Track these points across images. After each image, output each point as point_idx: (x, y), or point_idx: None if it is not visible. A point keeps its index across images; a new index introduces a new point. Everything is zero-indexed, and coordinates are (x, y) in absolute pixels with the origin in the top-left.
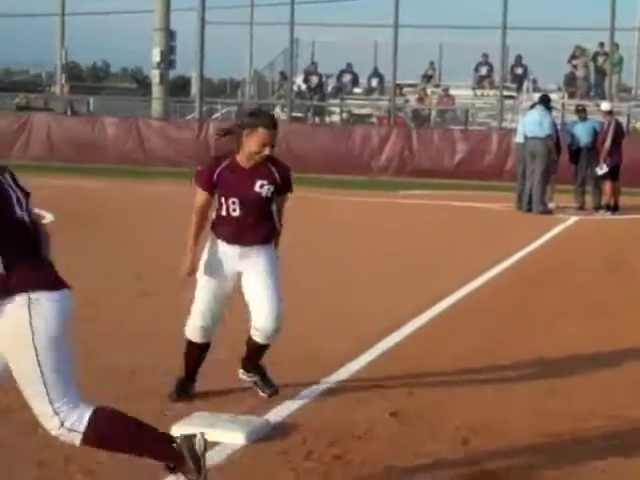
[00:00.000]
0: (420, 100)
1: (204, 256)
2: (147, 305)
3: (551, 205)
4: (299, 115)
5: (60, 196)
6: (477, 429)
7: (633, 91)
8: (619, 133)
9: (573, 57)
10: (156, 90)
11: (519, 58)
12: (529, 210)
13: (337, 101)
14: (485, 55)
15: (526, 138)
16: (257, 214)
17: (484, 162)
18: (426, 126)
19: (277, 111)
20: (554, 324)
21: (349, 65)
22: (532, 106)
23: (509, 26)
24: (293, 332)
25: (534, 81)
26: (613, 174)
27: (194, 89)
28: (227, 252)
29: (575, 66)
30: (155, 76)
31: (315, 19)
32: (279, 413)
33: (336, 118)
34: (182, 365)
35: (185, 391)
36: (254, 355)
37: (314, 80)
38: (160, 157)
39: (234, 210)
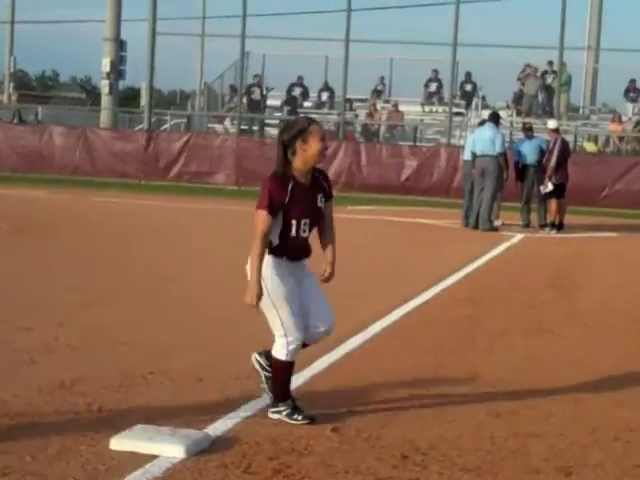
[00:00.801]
0: (370, 115)
1: (271, 276)
2: (90, 316)
3: (497, 222)
4: (245, 128)
5: (6, 205)
6: (417, 446)
7: (581, 110)
8: (565, 151)
9: (522, 75)
10: (105, 100)
11: (469, 75)
12: (475, 227)
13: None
14: (435, 71)
15: (475, 155)
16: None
17: (432, 178)
18: (375, 141)
19: (226, 124)
20: (495, 341)
21: (300, 78)
22: (481, 123)
23: (459, 43)
24: (235, 345)
25: (483, 98)
26: (559, 192)
27: (144, 100)
28: (289, 266)
29: (524, 84)
30: (104, 86)
31: (266, 32)
32: (219, 427)
33: None
34: (276, 388)
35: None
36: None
37: (257, 93)
38: (107, 168)
39: (304, 231)
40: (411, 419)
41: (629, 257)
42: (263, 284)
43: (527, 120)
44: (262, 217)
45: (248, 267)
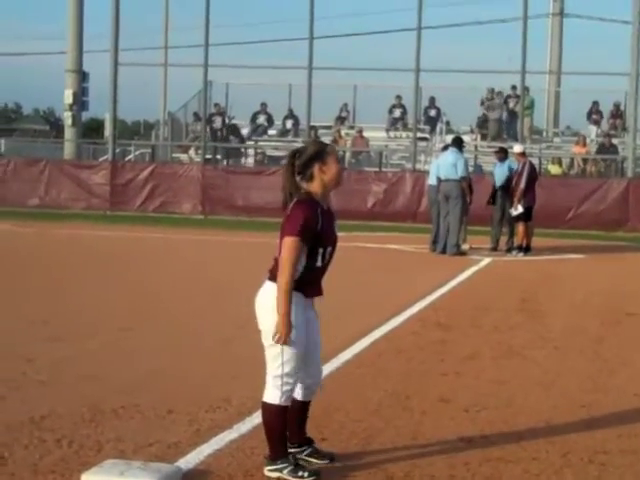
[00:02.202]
0: (335, 142)
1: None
2: (58, 350)
3: (464, 246)
4: (208, 157)
5: None
6: (391, 475)
7: (545, 133)
8: (533, 174)
9: (485, 99)
10: (68, 132)
11: (432, 100)
12: (443, 252)
13: (251, 143)
14: (398, 97)
15: (439, 180)
16: None
17: (398, 204)
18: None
19: (191, 153)
20: (466, 366)
21: (263, 105)
22: (444, 147)
23: (422, 68)
24: (205, 376)
25: (447, 123)
26: (526, 215)
27: (107, 131)
28: (304, 303)
29: (487, 108)
30: (67, 118)
31: (229, 61)
32: (191, 460)
33: (250, 160)
34: (273, 442)
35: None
36: (303, 417)
37: (218, 122)
38: (72, 199)
39: (324, 259)
40: (383, 448)
41: (596, 278)
42: (273, 319)
43: (493, 144)
44: (294, 244)
45: (262, 298)
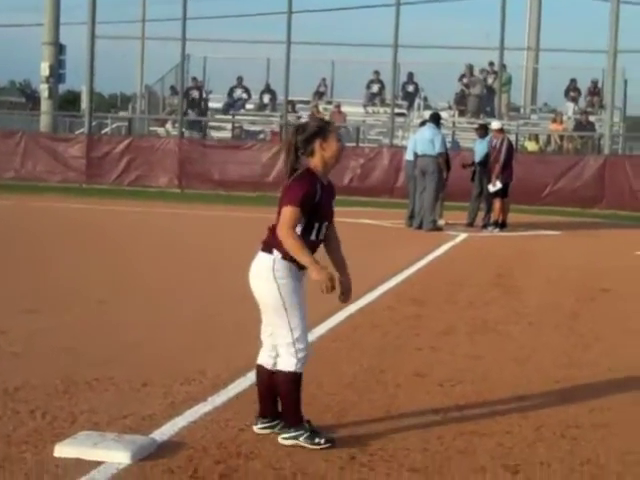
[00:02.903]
0: (312, 117)
1: (285, 278)
2: (33, 322)
3: (441, 222)
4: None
5: None
6: (365, 447)
7: (522, 110)
8: (511, 151)
9: (464, 75)
10: (45, 104)
11: (410, 76)
12: (419, 227)
13: (228, 117)
14: (376, 72)
15: (417, 156)
16: None
17: (375, 179)
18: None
19: (168, 126)
20: (441, 341)
21: (239, 79)
22: (422, 123)
23: (400, 44)
24: (180, 349)
25: (425, 99)
26: (504, 192)
27: (84, 104)
28: (297, 274)
29: (466, 85)
30: (44, 90)
31: (207, 35)
32: (165, 431)
33: (227, 134)
34: (289, 409)
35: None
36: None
37: (195, 95)
38: (48, 172)
39: (322, 235)
40: (358, 421)
41: (571, 255)
42: (274, 286)
43: (471, 120)
44: (293, 213)
45: (255, 268)
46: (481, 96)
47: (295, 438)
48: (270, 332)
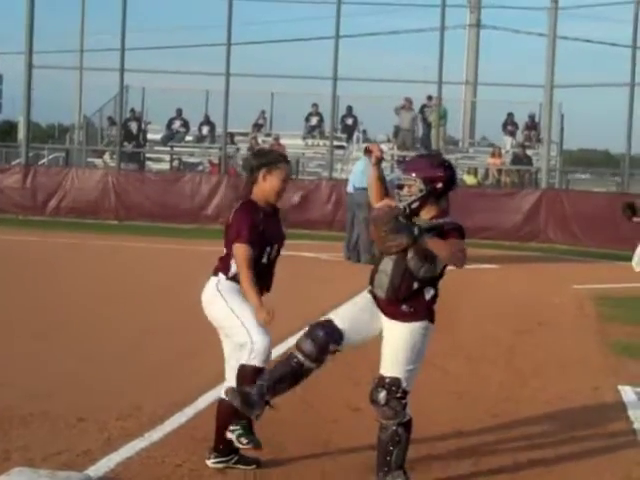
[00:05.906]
0: (251, 149)
1: (227, 290)
2: None
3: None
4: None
5: None
6: None
7: (460, 143)
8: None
9: (397, 108)
10: None
11: (349, 109)
12: (358, 260)
13: (167, 148)
14: (315, 105)
15: (355, 188)
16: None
17: (314, 212)
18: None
19: (106, 157)
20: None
21: (179, 111)
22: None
23: (339, 77)
24: (116, 384)
25: (364, 132)
26: None
27: (21, 134)
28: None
29: (399, 116)
30: None
31: (146, 66)
32: (100, 468)
33: (166, 166)
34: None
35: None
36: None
37: (133, 126)
38: None
39: (272, 256)
40: (295, 458)
41: (509, 288)
42: (220, 298)
43: (406, 153)
44: (245, 251)
45: (206, 293)
46: (410, 129)
47: (232, 432)
48: (233, 364)
